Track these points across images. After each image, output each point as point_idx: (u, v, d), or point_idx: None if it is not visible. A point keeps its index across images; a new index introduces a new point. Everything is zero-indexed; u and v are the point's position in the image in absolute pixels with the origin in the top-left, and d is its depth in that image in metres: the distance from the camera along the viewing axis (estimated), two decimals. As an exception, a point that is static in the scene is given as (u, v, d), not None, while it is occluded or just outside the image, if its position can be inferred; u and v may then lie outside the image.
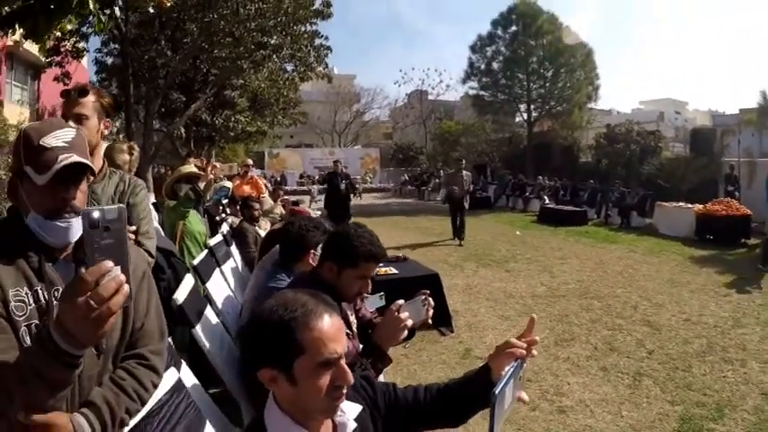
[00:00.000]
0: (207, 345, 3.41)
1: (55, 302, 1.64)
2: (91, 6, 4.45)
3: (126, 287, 1.38)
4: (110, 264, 1.35)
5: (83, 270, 1.34)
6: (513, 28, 41.27)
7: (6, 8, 4.36)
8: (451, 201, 15.00)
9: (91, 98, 2.70)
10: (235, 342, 4.10)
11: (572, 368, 5.63)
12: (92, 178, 1.80)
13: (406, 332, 2.57)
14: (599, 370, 5.58)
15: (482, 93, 43.14)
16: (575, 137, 40.76)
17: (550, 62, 40.18)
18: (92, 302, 1.31)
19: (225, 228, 7.80)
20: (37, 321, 1.63)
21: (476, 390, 1.95)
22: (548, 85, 40.89)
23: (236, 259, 6.69)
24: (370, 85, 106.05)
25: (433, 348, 6.30)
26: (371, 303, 3.39)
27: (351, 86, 68.11)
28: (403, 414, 2.00)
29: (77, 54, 20.84)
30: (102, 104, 2.76)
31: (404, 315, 2.54)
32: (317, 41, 24.41)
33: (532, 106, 41.83)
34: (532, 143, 40.55)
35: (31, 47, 18.58)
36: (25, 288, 1.63)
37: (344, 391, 1.62)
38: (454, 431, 2.24)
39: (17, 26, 4.61)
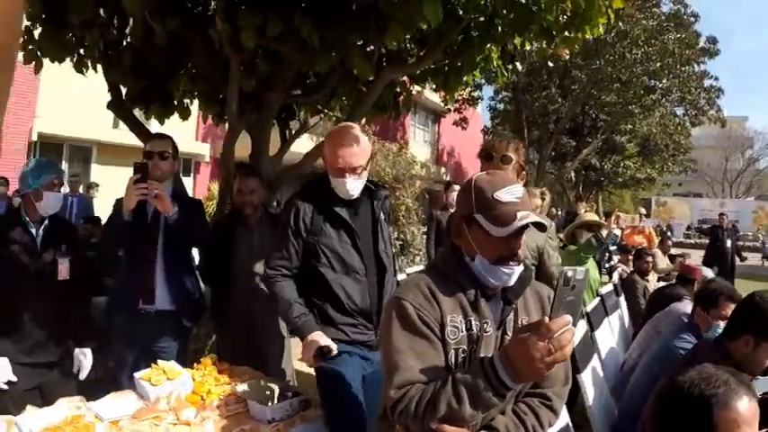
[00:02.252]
0: (588, 392, 3.44)
1: (485, 334, 1.83)
2: (494, 62, 4.86)
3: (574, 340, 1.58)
4: (569, 317, 1.55)
5: (546, 319, 1.55)
6: None
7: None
8: None
9: (511, 165, 3.01)
10: (611, 394, 4.04)
11: None
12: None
13: None
14: None
15: None
16: None
17: None
18: (551, 347, 1.52)
19: (616, 277, 7.69)
20: (465, 347, 1.81)
21: None
22: None
23: (622, 310, 6.55)
24: (763, 127, 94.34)
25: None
26: (761, 386, 2.97)
27: (742, 129, 61.25)
28: None
29: (473, 101, 22.53)
30: (521, 164, 3.06)
31: None
32: (707, 82, 23.01)
33: None
34: None
35: (431, 94, 20.67)
36: (460, 317, 1.82)
37: None
38: None
39: (429, 81, 5.31)
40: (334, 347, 2.76)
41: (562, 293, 1.53)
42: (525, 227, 1.77)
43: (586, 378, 3.47)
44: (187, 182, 16.97)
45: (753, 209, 44.95)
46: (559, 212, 21.36)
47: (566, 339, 1.54)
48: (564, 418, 2.19)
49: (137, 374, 2.87)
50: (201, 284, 3.92)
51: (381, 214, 3.07)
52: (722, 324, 3.38)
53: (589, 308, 4.84)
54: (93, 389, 2.98)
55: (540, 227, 1.81)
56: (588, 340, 3.93)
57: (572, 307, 1.55)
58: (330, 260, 2.87)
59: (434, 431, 1.68)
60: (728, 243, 13.27)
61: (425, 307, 1.79)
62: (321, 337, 2.74)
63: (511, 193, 1.80)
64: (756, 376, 2.74)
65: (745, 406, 1.52)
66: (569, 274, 1.51)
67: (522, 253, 1.87)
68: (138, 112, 5.09)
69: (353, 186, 2.86)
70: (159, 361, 2.98)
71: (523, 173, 3.08)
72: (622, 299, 6.84)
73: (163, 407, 2.61)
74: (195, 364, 3.14)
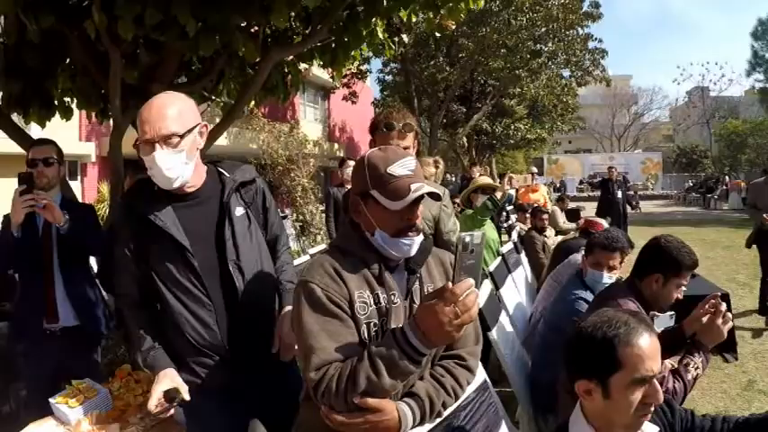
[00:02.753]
0: (501, 347, 3.57)
1: (394, 306, 1.89)
2: (380, 36, 4.90)
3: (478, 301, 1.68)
4: (471, 280, 1.63)
5: (450, 284, 1.61)
6: (797, 5, 36.48)
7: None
8: (764, 239, 7.53)
9: (413, 133, 2.97)
10: (524, 346, 4.26)
11: None
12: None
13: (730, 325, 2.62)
14: None
15: (769, 85, 38.52)
16: None
17: None
18: (458, 311, 1.60)
19: (515, 236, 8.01)
20: (376, 321, 1.87)
21: None
22: None
23: (524, 267, 6.87)
24: (647, 85, 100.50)
25: (715, 375, 5.73)
26: (661, 322, 3.24)
27: (627, 87, 64.98)
28: None
29: (362, 75, 22.57)
30: (416, 131, 3.01)
31: (724, 307, 2.59)
32: (591, 44, 24.08)
33: (832, 95, 36.27)
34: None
35: (319, 71, 20.52)
36: (367, 292, 1.87)
37: (652, 409, 1.70)
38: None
39: (317, 59, 5.25)
40: (184, 391, 2.23)
41: (462, 258, 1.61)
42: (420, 198, 1.83)
43: (496, 335, 3.60)
44: (75, 185, 16.24)
45: (641, 160, 47.66)
46: (454, 178, 21.86)
47: (470, 301, 1.62)
48: (481, 374, 2.29)
49: (52, 399, 2.71)
50: (104, 293, 3.80)
51: (237, 209, 2.41)
52: (596, 272, 3.77)
53: (492, 267, 5.02)
54: (11, 423, 2.85)
55: (435, 196, 1.88)
56: (494, 298, 4.08)
57: (473, 270, 1.64)
58: (167, 284, 2.29)
59: (358, 407, 1.73)
60: (619, 194, 13.79)
61: (332, 287, 1.83)
62: (168, 378, 2.25)
63: (404, 166, 1.85)
64: (656, 314, 2.99)
65: (647, 342, 1.66)
66: (467, 239, 1.60)
67: (421, 223, 1.93)
68: (16, 117, 4.80)
69: (167, 162, 2.18)
70: (73, 381, 2.83)
71: (417, 140, 3.05)
72: (523, 255, 7.16)
73: (85, 428, 2.52)
74: (110, 378, 3.04)
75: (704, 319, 2.64)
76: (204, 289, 2.29)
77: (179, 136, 2.20)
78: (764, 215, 7.18)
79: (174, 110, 2.23)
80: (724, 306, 2.62)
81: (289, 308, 2.38)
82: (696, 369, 2.59)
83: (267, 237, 2.58)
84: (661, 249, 2.98)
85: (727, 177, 36.05)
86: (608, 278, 3.75)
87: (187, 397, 2.20)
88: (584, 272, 3.88)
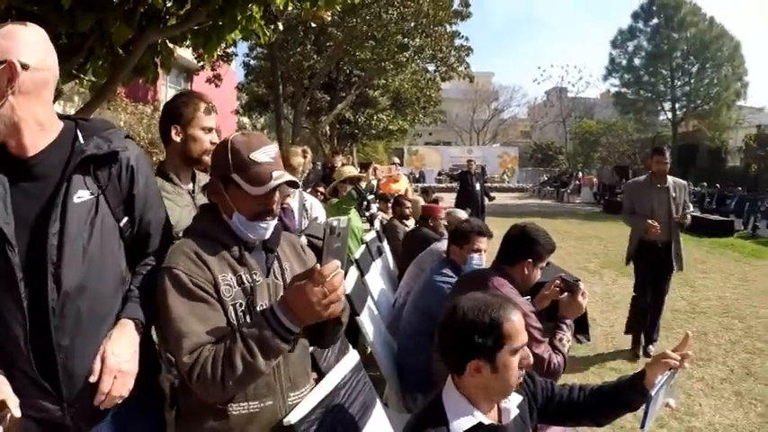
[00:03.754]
0: (368, 331, 3.75)
1: (257, 284, 1.97)
2: (257, 22, 4.88)
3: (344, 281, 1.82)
4: (338, 262, 1.76)
5: (318, 266, 1.73)
6: (655, 20, 39.74)
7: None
8: (646, 252, 6.45)
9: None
10: (388, 330, 4.46)
11: (705, 389, 5.42)
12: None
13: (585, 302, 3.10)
14: (732, 394, 5.32)
15: (624, 90, 41.72)
16: (722, 138, 37.86)
17: (695, 57, 38.14)
18: (326, 290, 1.72)
19: (377, 224, 8.14)
20: (242, 301, 1.93)
21: (628, 394, 2.23)
22: (693, 81, 38.65)
23: (387, 254, 7.07)
24: (508, 82, 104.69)
25: (569, 356, 6.19)
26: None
27: (489, 84, 67.01)
28: (556, 408, 2.31)
29: (227, 58, 22.06)
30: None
31: (582, 285, 3.09)
32: (458, 42, 24.62)
33: (677, 105, 39.68)
34: (677, 145, 37.83)
35: (183, 52, 19.66)
36: (230, 273, 1.93)
37: (524, 372, 1.97)
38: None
39: (189, 41, 5.18)
40: (14, 405, 1.61)
41: (330, 242, 1.72)
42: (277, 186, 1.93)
43: (365, 319, 3.76)
44: None
45: (498, 154, 49.64)
46: (317, 165, 21.88)
47: (337, 281, 1.75)
48: (355, 355, 2.44)
49: None
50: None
51: (80, 193, 1.82)
52: (476, 256, 4.06)
53: (357, 255, 5.16)
54: None
55: (293, 185, 2.00)
56: (360, 284, 4.23)
57: (339, 252, 1.76)
58: None
59: (236, 390, 1.83)
60: (477, 186, 14.33)
61: (196, 271, 1.86)
62: None
63: (266, 153, 1.94)
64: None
65: (517, 316, 1.93)
66: (334, 223, 1.72)
67: (276, 208, 2.03)
68: None
69: None
70: None
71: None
72: (385, 243, 7.35)
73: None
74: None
75: (565, 297, 3.10)
76: (18, 295, 1.71)
77: None
78: (649, 221, 6.10)
79: None
80: (582, 285, 3.07)
81: (128, 323, 1.90)
82: (568, 342, 3.07)
83: (132, 233, 2.01)
84: (528, 237, 3.24)
85: (580, 173, 38.60)
86: (483, 260, 4.09)
87: (17, 413, 1.61)
88: (462, 258, 4.12)
